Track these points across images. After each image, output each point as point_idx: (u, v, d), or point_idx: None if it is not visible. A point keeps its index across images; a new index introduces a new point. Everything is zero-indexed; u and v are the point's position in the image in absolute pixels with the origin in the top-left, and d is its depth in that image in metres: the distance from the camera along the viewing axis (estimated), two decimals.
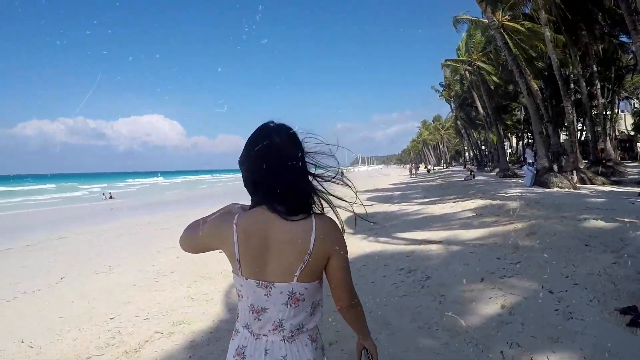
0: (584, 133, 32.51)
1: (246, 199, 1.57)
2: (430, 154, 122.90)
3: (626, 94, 38.64)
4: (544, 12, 18.90)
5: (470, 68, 35.16)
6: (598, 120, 25.43)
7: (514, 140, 56.50)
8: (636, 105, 40.83)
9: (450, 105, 57.83)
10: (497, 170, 33.36)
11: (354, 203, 1.59)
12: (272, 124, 1.48)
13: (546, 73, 25.92)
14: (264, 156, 1.42)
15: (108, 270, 7.82)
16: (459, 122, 57.76)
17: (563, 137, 31.82)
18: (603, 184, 18.47)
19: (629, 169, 24.27)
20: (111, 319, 5.21)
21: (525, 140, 48.53)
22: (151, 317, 5.14)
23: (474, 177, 28.83)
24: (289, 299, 1.42)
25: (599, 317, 3.71)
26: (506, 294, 4.47)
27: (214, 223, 1.50)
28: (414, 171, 52.81)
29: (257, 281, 1.42)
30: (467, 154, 70.61)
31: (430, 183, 29.71)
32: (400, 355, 3.54)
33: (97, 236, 12.72)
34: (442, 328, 3.91)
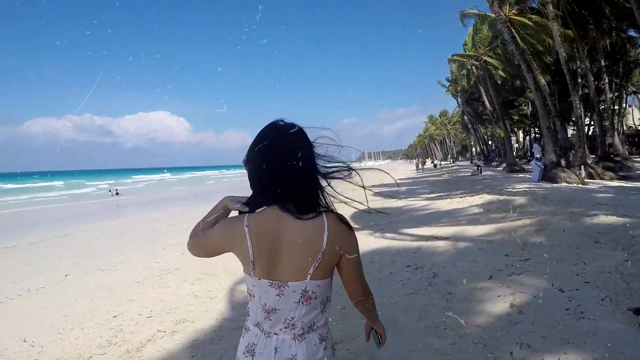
0: (591, 128, 32.18)
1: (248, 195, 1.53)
2: (437, 148, 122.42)
3: (634, 89, 38.28)
4: (551, 5, 18.67)
5: (477, 63, 34.91)
6: (606, 114, 25.18)
7: (520, 135, 56.12)
8: None
9: (457, 100, 57.51)
10: (504, 165, 33.15)
11: (369, 209, 1.65)
12: (280, 123, 1.47)
13: (553, 68, 25.68)
14: (273, 155, 1.41)
15: (112, 268, 7.78)
16: (465, 117, 57.49)
17: (570, 132, 31.57)
18: (611, 179, 18.30)
19: (637, 164, 24.00)
20: (114, 317, 5.17)
21: (532, 135, 48.15)
22: (154, 315, 5.09)
23: (481, 172, 28.65)
24: (301, 297, 1.43)
25: (611, 317, 3.60)
26: (515, 292, 4.37)
27: (224, 227, 1.50)
28: (420, 166, 52.62)
29: (270, 281, 1.42)
30: (473, 149, 70.29)
31: (437, 178, 29.53)
32: (406, 356, 3.46)
33: (102, 233, 12.71)
34: (450, 327, 3.81)
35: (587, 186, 15.10)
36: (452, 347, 3.50)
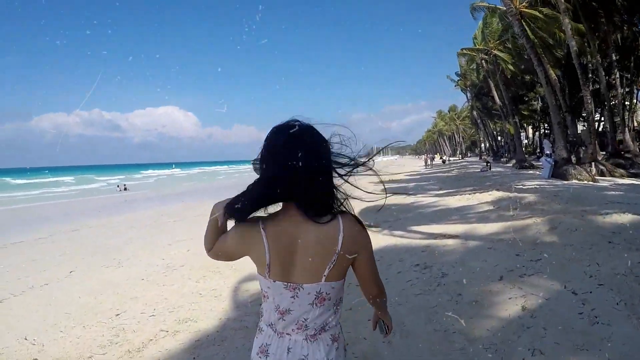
0: (601, 124, 31.79)
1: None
2: (446, 144, 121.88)
3: None
4: None
5: (486, 57, 34.68)
6: (616, 110, 24.83)
7: (530, 130, 55.65)
8: None
9: (466, 95, 57.17)
10: (514, 161, 32.98)
11: (385, 194, 1.71)
12: (292, 122, 1.45)
13: (564, 62, 25.35)
14: (287, 156, 1.38)
15: (117, 264, 7.72)
16: (474, 112, 57.09)
17: (580, 127, 31.20)
18: (622, 176, 18.07)
19: None
20: (116, 315, 5.09)
21: (542, 130, 47.74)
22: (157, 314, 5.00)
23: (490, 169, 28.46)
24: (315, 298, 1.44)
25: (626, 323, 3.47)
26: (527, 295, 4.23)
27: (239, 231, 1.50)
28: (429, 162, 52.26)
29: (285, 283, 1.44)
30: (482, 145, 69.85)
31: (446, 174, 29.34)
32: None
33: (109, 229, 12.69)
34: (459, 331, 3.69)
35: (598, 184, 14.93)
36: (461, 353, 3.38)
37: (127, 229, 12.27)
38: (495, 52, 32.93)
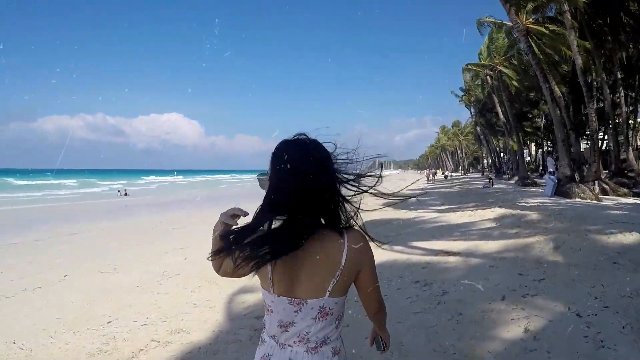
0: (604, 142, 31.65)
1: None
2: (448, 159, 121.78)
3: None
4: (569, 14, 18.38)
5: (491, 73, 34.66)
6: (620, 129, 24.75)
7: (533, 147, 55.57)
8: None
9: (470, 111, 57.17)
10: (516, 178, 32.85)
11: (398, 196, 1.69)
12: (300, 137, 1.47)
13: (569, 79, 25.32)
14: (293, 170, 1.39)
15: (113, 270, 7.64)
16: (478, 128, 57.07)
17: (582, 146, 31.08)
18: (625, 195, 17.96)
19: None
20: (108, 322, 4.98)
21: (545, 148, 47.64)
22: (149, 323, 4.89)
23: (492, 185, 28.32)
24: (318, 313, 1.44)
25: (633, 347, 3.35)
26: (530, 316, 4.11)
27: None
28: (431, 177, 52.12)
29: (289, 298, 1.44)
30: (485, 161, 69.75)
31: (448, 190, 29.22)
32: None
33: (107, 233, 12.65)
34: (459, 352, 3.56)
35: (602, 202, 14.80)
36: None
37: (125, 235, 12.21)
38: (501, 68, 32.92)
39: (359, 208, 1.52)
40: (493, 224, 9.77)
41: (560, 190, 16.88)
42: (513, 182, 32.92)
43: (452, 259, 6.88)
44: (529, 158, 53.72)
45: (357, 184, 1.52)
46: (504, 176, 43.96)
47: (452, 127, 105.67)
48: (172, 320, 4.95)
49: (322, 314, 1.44)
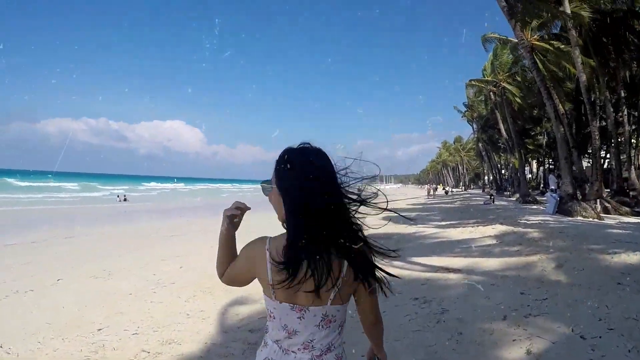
0: (606, 161, 31.61)
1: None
2: (449, 175, 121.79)
3: None
4: (574, 31, 18.41)
5: (495, 89, 34.72)
6: (622, 147, 24.73)
7: (534, 165, 55.55)
8: None
9: (472, 127, 57.27)
10: (517, 195, 32.77)
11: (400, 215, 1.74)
12: (304, 146, 1.48)
13: (572, 97, 25.34)
14: (296, 179, 1.41)
15: (107, 276, 7.52)
16: (480, 144, 57.08)
17: (584, 164, 31.05)
18: (627, 214, 17.84)
19: None
20: (99, 330, 4.85)
21: (547, 166, 47.62)
22: (140, 333, 4.76)
23: (493, 202, 28.22)
24: (321, 320, 1.44)
25: None
26: (532, 337, 3.98)
27: (246, 251, 1.54)
28: (431, 192, 52.02)
29: (292, 305, 1.44)
30: (486, 177, 69.70)
31: (449, 205, 29.11)
32: None
33: (104, 238, 12.55)
34: None
35: (604, 221, 14.66)
36: None
37: (122, 240, 12.11)
38: (504, 84, 32.98)
39: (360, 228, 1.49)
40: (494, 241, 9.67)
41: (562, 208, 16.75)
42: (514, 199, 32.84)
43: (452, 275, 6.77)
44: (530, 175, 53.67)
45: (359, 199, 1.50)
46: (505, 193, 43.84)
47: (454, 142, 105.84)
48: (163, 330, 4.82)
49: (326, 321, 1.45)
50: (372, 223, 1.55)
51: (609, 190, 23.80)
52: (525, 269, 6.66)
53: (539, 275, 6.18)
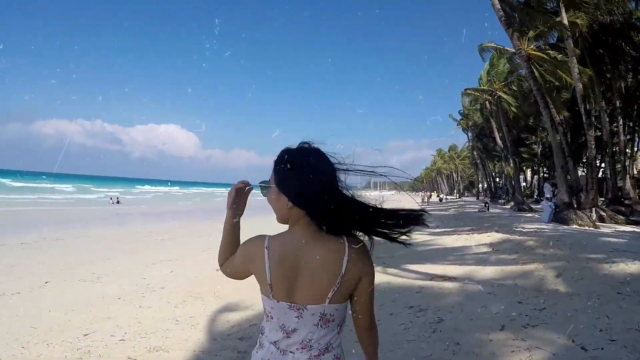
0: (600, 170, 31.77)
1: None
2: (443, 182, 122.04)
3: None
4: (571, 41, 18.47)
5: (490, 98, 34.83)
6: (617, 157, 24.82)
7: (528, 173, 55.78)
8: None
9: (467, 135, 57.47)
10: (512, 203, 32.83)
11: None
12: (303, 146, 1.48)
13: (568, 107, 25.45)
14: (297, 176, 1.41)
15: (95, 279, 7.38)
16: (475, 152, 57.26)
17: (579, 173, 31.17)
18: (622, 223, 17.87)
19: None
20: (85, 335, 4.71)
21: (541, 174, 47.81)
22: (127, 339, 4.61)
23: (488, 209, 28.22)
24: (320, 320, 1.42)
25: None
26: (531, 348, 3.85)
27: (244, 247, 1.54)
28: (426, 199, 52.09)
29: (289, 304, 1.42)
30: (480, 185, 69.89)
31: (443, 212, 29.06)
32: None
33: (94, 241, 12.35)
34: None
35: (600, 230, 14.63)
36: None
37: (113, 243, 11.93)
38: (500, 93, 33.11)
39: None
40: (490, 249, 9.60)
41: (558, 216, 16.73)
42: (509, 207, 32.91)
43: (447, 284, 6.66)
44: (524, 184, 53.86)
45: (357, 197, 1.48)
46: (500, 201, 43.94)
47: (449, 150, 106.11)
48: (151, 336, 4.68)
49: (324, 320, 1.42)
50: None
51: (603, 199, 23.93)
52: (522, 278, 6.57)
53: (537, 284, 6.09)
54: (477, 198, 58.50)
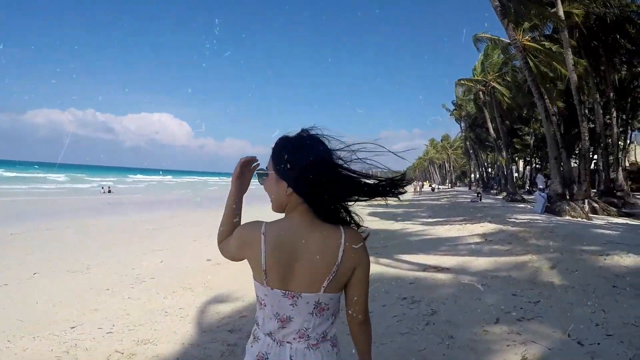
0: (593, 162, 31.88)
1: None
2: (436, 172, 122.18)
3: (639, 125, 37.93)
4: (566, 32, 18.38)
5: (484, 88, 34.75)
6: (610, 149, 24.89)
7: (521, 164, 55.87)
8: None
9: (460, 125, 57.38)
10: (504, 193, 32.87)
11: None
12: (301, 134, 1.48)
13: (562, 98, 25.42)
14: (298, 161, 1.40)
15: (84, 270, 7.29)
16: (468, 143, 57.28)
17: (572, 164, 31.26)
18: (614, 215, 17.95)
19: (639, 201, 23.53)
20: (72, 328, 4.60)
21: (533, 165, 47.91)
22: (115, 332, 4.50)
23: (480, 199, 28.21)
24: (314, 308, 1.41)
25: None
26: (527, 342, 3.79)
27: (240, 232, 1.51)
28: (418, 189, 52.12)
29: (284, 291, 1.41)
30: (472, 175, 70.02)
31: (436, 202, 29.05)
32: None
33: (84, 231, 12.23)
34: None
35: (592, 221, 14.63)
36: None
37: (103, 233, 11.83)
38: (494, 84, 33.03)
39: (358, 198, 1.49)
40: (482, 240, 9.54)
41: (551, 207, 16.73)
42: (501, 197, 32.92)
43: (441, 275, 6.58)
44: (516, 174, 53.99)
45: (361, 177, 1.48)
46: (492, 191, 44.02)
47: (442, 140, 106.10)
48: (139, 329, 4.57)
49: (319, 309, 1.41)
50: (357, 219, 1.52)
51: (595, 190, 23.97)
52: (516, 269, 6.51)
53: (531, 276, 6.03)
54: (470, 188, 58.54)
